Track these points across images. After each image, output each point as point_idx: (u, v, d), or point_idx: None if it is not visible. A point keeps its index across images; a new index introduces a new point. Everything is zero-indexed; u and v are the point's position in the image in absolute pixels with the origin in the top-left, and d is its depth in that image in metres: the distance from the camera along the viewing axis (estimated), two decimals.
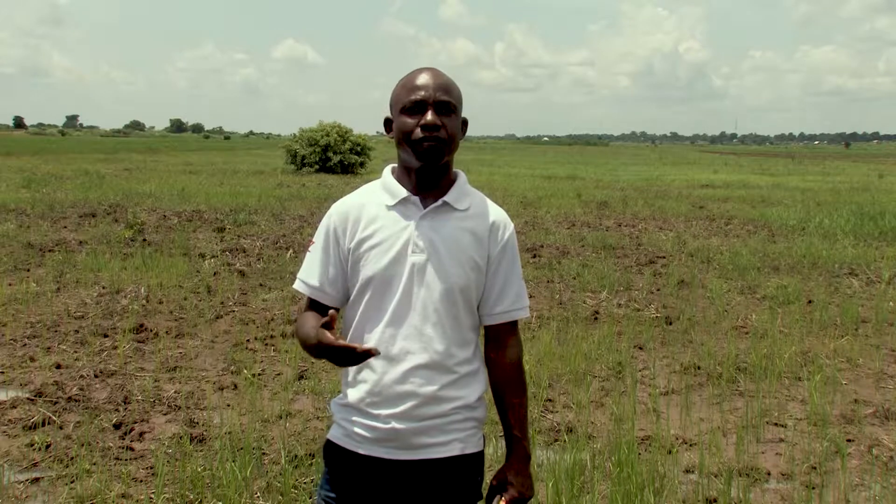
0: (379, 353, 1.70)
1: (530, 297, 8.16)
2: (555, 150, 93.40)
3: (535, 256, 10.77)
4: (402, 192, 1.87)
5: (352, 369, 1.88)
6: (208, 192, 18.88)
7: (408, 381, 1.83)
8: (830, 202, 20.08)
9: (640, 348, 6.37)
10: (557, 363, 5.74)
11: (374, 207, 1.88)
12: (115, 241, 11.05)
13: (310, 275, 1.93)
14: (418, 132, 1.81)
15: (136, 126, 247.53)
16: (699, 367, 5.81)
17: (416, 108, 1.83)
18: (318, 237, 1.93)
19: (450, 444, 1.86)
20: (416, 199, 1.86)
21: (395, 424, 1.83)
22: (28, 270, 8.92)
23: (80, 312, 7.04)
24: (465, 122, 1.94)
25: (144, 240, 11.24)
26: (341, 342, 1.67)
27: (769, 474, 4.08)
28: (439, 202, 1.86)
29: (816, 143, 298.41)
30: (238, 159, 41.37)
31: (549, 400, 5.10)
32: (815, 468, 4.13)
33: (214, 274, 8.93)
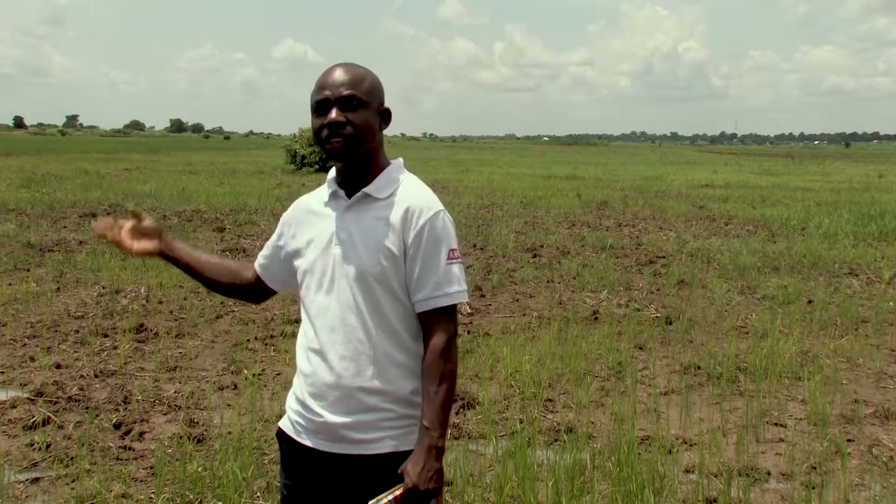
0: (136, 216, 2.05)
1: (530, 297, 8.17)
2: (555, 150, 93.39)
3: (535, 256, 10.77)
4: (333, 187, 1.95)
5: (297, 361, 1.98)
6: (208, 192, 18.88)
7: (334, 373, 1.87)
8: (830, 202, 20.08)
9: (640, 348, 6.37)
10: (557, 363, 5.74)
11: (315, 204, 2.00)
12: None
13: (261, 254, 2.15)
14: (325, 131, 1.87)
15: (136, 126, 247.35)
16: (699, 367, 5.81)
17: (321, 107, 1.88)
18: (279, 225, 2.10)
19: (381, 441, 1.87)
20: (342, 192, 1.93)
21: (325, 417, 1.88)
22: (28, 270, 8.93)
23: (80, 312, 7.04)
24: (387, 112, 1.93)
25: None
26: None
27: (769, 474, 4.08)
28: (360, 193, 1.90)
29: (816, 143, 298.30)
30: (238, 159, 41.36)
31: (549, 400, 5.10)
32: (815, 468, 4.13)
33: None
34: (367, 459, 1.87)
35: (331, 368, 1.88)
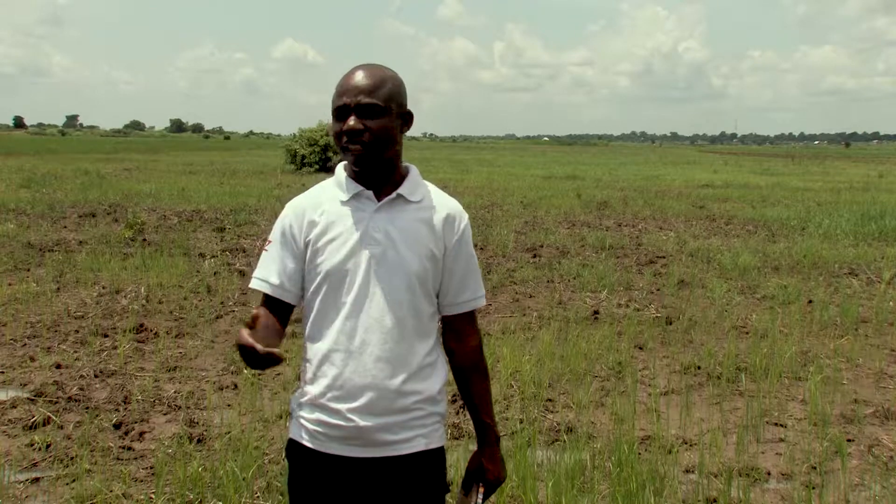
0: (282, 361, 1.65)
1: (530, 297, 8.18)
2: (555, 150, 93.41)
3: (535, 256, 10.77)
4: (356, 188, 1.88)
5: (312, 365, 1.89)
6: (208, 192, 18.89)
7: (369, 374, 1.83)
8: (830, 202, 20.08)
9: (640, 348, 6.37)
10: (557, 363, 5.74)
11: (328, 203, 1.90)
12: (115, 241, 11.06)
13: (269, 273, 1.93)
14: (344, 138, 1.84)
15: (136, 126, 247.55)
16: (699, 367, 5.81)
17: (340, 113, 1.85)
18: (275, 236, 1.95)
19: (414, 441, 1.87)
20: (369, 193, 1.88)
21: (357, 421, 1.83)
22: (28, 270, 8.93)
23: (80, 312, 7.04)
24: (408, 115, 1.91)
25: (144, 240, 11.24)
26: (247, 341, 1.64)
27: (769, 474, 4.08)
28: (393, 195, 1.88)
29: (816, 143, 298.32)
30: (238, 159, 41.36)
31: (549, 400, 5.10)
32: (815, 468, 4.13)
33: (214, 274, 8.93)
34: (399, 460, 1.85)
35: (365, 370, 1.83)
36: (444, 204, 1.93)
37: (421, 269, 1.86)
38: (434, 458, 1.91)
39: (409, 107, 1.92)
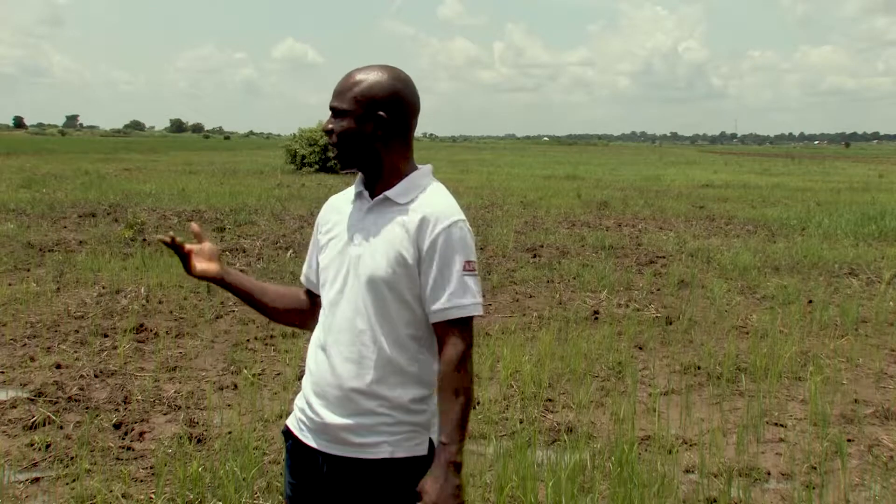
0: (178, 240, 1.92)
1: (530, 297, 8.17)
2: (555, 150, 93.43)
3: (535, 256, 10.77)
4: (360, 187, 1.95)
5: (307, 358, 1.98)
6: (208, 192, 18.88)
7: (336, 373, 1.87)
8: (830, 202, 20.08)
9: (640, 348, 6.37)
10: (557, 363, 5.74)
11: (341, 203, 2.00)
12: (115, 241, 11.06)
13: (305, 264, 2.11)
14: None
15: (136, 126, 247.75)
16: (699, 367, 5.81)
17: None
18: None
19: (378, 446, 1.84)
20: (366, 193, 1.93)
21: (325, 417, 1.88)
22: (28, 270, 8.93)
23: (80, 312, 7.04)
24: (378, 120, 1.85)
25: (144, 240, 11.24)
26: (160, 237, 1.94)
27: (769, 474, 4.08)
28: (381, 196, 1.90)
29: (816, 143, 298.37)
30: (238, 159, 41.36)
31: (549, 400, 5.10)
32: (815, 468, 4.13)
33: None
34: (364, 464, 1.85)
35: (333, 369, 1.87)
36: (425, 207, 1.84)
37: (389, 274, 1.82)
38: (402, 468, 1.85)
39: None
